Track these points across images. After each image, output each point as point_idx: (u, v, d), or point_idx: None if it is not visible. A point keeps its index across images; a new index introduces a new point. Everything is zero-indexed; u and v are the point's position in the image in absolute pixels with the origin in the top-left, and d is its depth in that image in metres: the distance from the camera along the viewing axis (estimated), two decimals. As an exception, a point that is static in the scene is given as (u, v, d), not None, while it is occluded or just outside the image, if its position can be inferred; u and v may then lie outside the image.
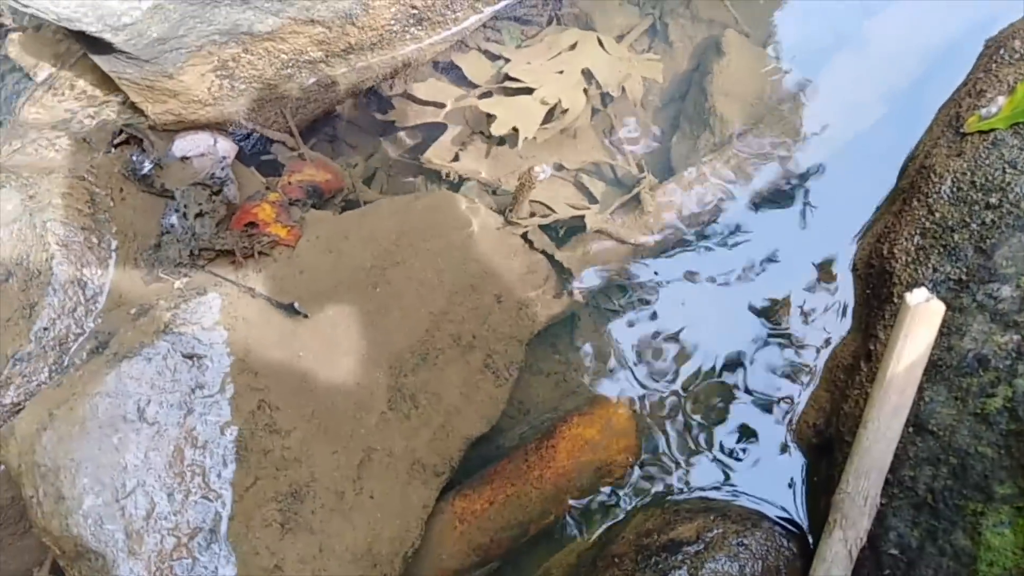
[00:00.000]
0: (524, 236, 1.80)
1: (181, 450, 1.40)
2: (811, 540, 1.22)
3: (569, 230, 1.85)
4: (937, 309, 1.10)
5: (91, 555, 1.30)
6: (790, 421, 1.39)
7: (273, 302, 1.59)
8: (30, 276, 1.61)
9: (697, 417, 1.52)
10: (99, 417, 1.39)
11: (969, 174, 1.40)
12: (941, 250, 1.32)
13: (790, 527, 1.23)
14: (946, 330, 1.19)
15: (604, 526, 1.41)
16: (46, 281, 1.61)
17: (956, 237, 1.32)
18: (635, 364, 1.67)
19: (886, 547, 1.06)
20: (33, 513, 1.37)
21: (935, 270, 1.30)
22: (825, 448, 1.32)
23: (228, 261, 1.66)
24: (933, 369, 1.19)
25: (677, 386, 1.60)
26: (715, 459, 1.43)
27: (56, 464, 1.34)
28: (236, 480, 1.40)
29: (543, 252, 1.81)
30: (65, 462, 1.35)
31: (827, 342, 1.47)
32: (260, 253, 1.65)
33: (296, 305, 1.58)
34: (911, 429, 1.15)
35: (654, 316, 1.73)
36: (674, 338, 1.68)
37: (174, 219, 1.74)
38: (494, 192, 1.87)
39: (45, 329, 1.57)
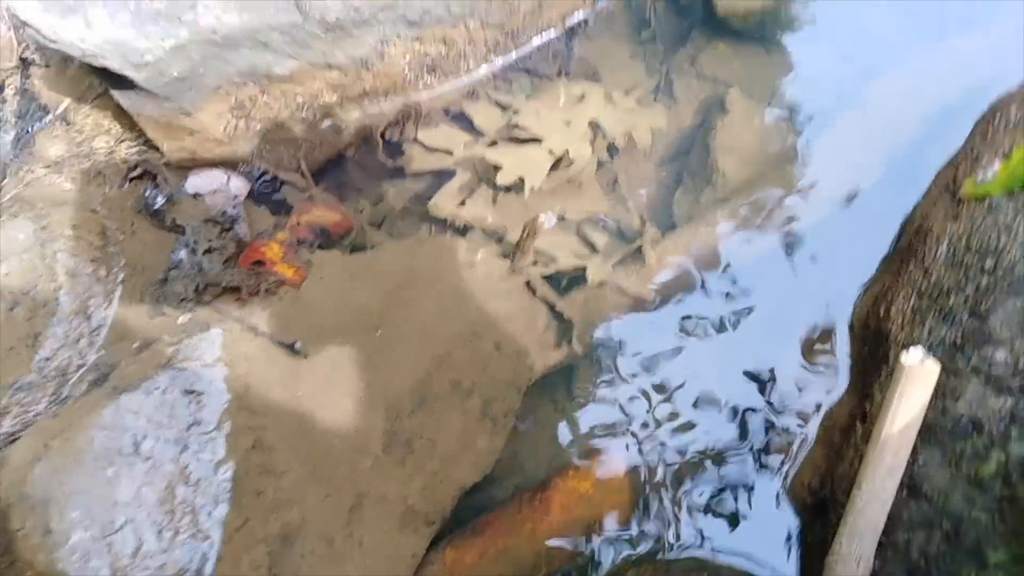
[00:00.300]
0: (527, 284, 1.82)
1: (173, 487, 1.40)
2: (804, 604, 1.21)
3: (571, 280, 1.87)
4: (932, 370, 1.11)
5: (77, 590, 1.29)
6: (785, 481, 1.38)
7: (275, 340, 1.60)
8: (36, 306, 1.63)
9: (692, 475, 1.51)
10: (95, 450, 1.39)
11: (965, 238, 1.41)
12: (936, 313, 1.33)
13: (784, 589, 1.22)
14: (941, 393, 1.20)
15: (596, 582, 1.40)
16: (52, 311, 1.62)
17: (951, 300, 1.33)
18: (631, 419, 1.67)
19: (879, 613, 1.04)
20: (18, 547, 1.36)
21: (930, 332, 1.31)
22: (820, 508, 1.31)
23: (234, 298, 1.68)
24: (928, 432, 1.19)
25: (673, 443, 1.59)
26: (709, 518, 1.42)
27: (47, 496, 1.34)
28: (226, 521, 1.39)
29: (544, 301, 1.82)
30: (56, 495, 1.34)
31: (822, 405, 1.47)
32: (266, 291, 1.67)
33: (297, 345, 1.59)
34: (905, 492, 1.14)
35: (652, 370, 1.73)
36: (672, 394, 1.68)
37: (183, 254, 1.76)
38: (499, 239, 1.89)
39: (47, 359, 1.58)
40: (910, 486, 1.13)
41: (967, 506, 1.06)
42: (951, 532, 1.04)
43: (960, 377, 1.21)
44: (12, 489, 1.41)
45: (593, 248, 1.89)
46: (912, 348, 1.20)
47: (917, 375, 1.14)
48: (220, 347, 1.58)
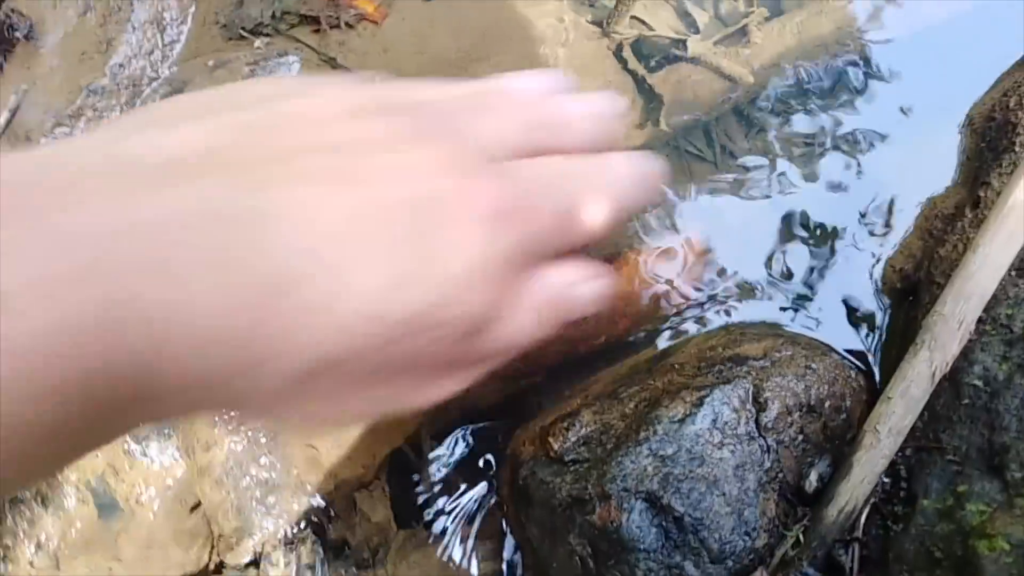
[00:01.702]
0: (617, 53, 1.71)
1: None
2: (879, 383, 1.18)
3: (664, 58, 1.74)
4: (1081, 143, 1.02)
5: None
6: (875, 266, 1.33)
7: (353, 74, 1.53)
8: (109, 12, 1.56)
9: (772, 259, 1.46)
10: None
11: None
12: (1081, 104, 1.22)
13: (860, 365, 1.20)
14: (1073, 182, 1.11)
15: (662, 346, 1.39)
16: (125, 18, 1.56)
17: (1100, 93, 1.22)
18: (710, 209, 1.61)
19: (968, 379, 1.01)
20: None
21: (1070, 124, 1.20)
22: (910, 291, 1.26)
23: (311, 29, 1.60)
24: (1051, 218, 1.10)
25: (754, 232, 1.54)
26: (788, 300, 1.39)
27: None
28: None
29: (634, 75, 1.72)
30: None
31: (924, 197, 1.39)
32: (346, 24, 1.59)
33: (377, 80, 1.52)
34: (1013, 272, 1.07)
35: (738, 164, 1.65)
36: (756, 189, 1.61)
37: (258, -20, 1.66)
38: (591, 4, 1.76)
39: (120, 66, 1.53)
40: (1020, 267, 1.06)
41: (1088, 284, 1.01)
42: (1065, 308, 0.99)
43: (1098, 166, 1.11)
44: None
45: (694, 27, 1.75)
46: (1058, 122, 1.10)
47: (1062, 145, 1.05)
48: (297, 73, 1.52)
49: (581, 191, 0.66)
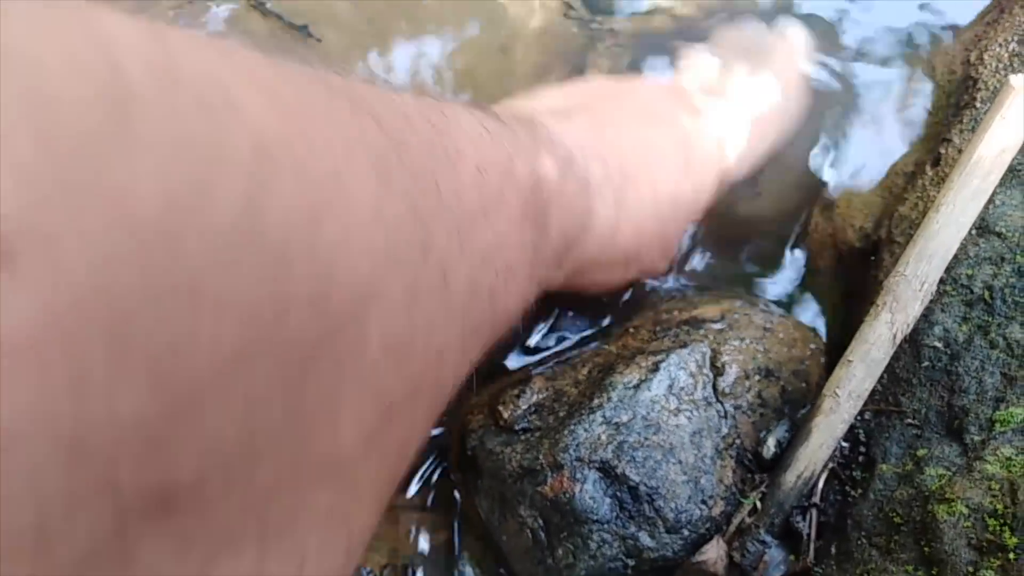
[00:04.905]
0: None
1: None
2: (837, 344, 1.15)
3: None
4: (1044, 95, 0.98)
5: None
6: (833, 224, 1.29)
7: (284, 20, 1.42)
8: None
9: (727, 217, 1.42)
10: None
11: (1089, -20, 1.24)
12: (1041, 58, 1.19)
13: (818, 327, 1.17)
14: (1032, 136, 1.08)
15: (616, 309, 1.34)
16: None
17: (1061, 45, 1.19)
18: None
19: (929, 340, 0.98)
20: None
21: (1031, 78, 1.17)
22: (870, 251, 1.23)
23: (238, -29, 1.48)
24: (1009, 175, 1.09)
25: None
26: (745, 262, 1.35)
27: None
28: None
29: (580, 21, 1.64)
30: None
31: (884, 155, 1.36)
32: (275, -34, 1.47)
33: (310, 28, 1.42)
34: (974, 231, 1.05)
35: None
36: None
37: (179, -85, 1.53)
38: (543, -51, 1.67)
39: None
40: (981, 226, 1.04)
41: (1048, 242, 0.98)
42: (1024, 266, 0.97)
43: (1059, 120, 1.08)
44: None
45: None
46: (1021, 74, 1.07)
47: (1026, 97, 1.02)
48: (223, 23, 1.40)
49: None
